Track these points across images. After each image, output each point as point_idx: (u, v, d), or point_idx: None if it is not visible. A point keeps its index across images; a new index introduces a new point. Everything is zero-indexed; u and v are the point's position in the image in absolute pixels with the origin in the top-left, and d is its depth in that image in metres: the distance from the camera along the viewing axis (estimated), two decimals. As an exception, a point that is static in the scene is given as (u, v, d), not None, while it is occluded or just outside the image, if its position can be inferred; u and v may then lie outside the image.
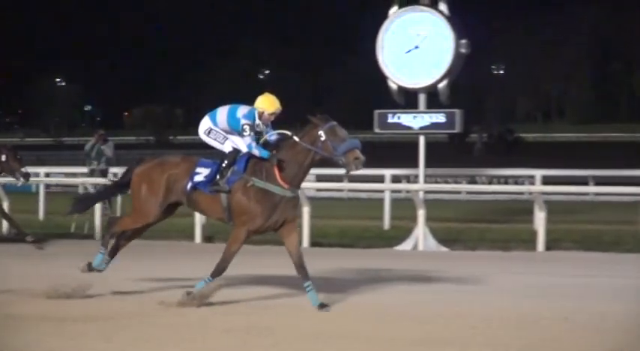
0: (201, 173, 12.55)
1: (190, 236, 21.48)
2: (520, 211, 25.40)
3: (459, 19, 20.35)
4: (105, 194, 15.46)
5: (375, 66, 20.85)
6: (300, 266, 12.34)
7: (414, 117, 20.52)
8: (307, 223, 20.45)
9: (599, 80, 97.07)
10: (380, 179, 26.98)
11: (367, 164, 12.50)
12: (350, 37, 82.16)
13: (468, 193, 36.64)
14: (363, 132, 35.41)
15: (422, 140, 20.27)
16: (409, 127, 20.64)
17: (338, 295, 12.98)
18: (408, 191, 27.34)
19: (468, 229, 22.89)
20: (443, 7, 20.22)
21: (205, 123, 12.80)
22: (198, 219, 20.69)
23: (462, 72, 20.57)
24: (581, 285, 14.45)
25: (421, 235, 19.68)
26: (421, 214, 19.63)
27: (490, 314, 11.55)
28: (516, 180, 36.85)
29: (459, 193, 36.73)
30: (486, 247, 20.07)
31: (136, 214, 13.00)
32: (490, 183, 38.02)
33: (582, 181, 32.96)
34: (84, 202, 14.67)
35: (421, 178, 21.52)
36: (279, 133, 12.58)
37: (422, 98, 20.62)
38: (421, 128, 20.46)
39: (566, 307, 12.11)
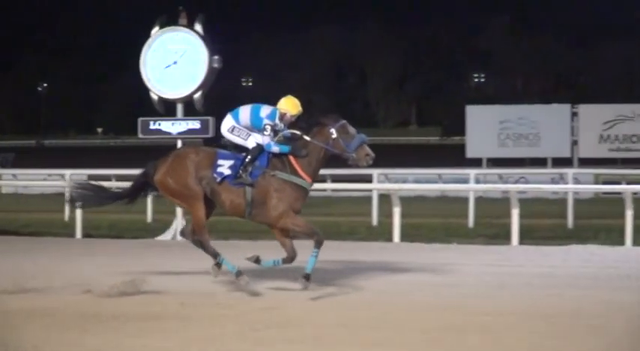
0: (224, 165, 12.18)
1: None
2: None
3: (212, 38, 20.85)
4: (109, 199, 13.40)
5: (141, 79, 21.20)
6: (289, 257, 12.09)
7: (173, 124, 20.92)
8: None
9: (337, 90, 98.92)
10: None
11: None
12: (123, 54, 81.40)
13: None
14: (130, 137, 35.33)
15: (179, 144, 20.63)
16: (168, 133, 21.04)
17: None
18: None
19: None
20: (198, 27, 20.68)
21: (228, 121, 12.45)
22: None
23: (214, 84, 21.01)
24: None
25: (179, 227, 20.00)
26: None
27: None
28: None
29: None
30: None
31: (191, 204, 12.33)
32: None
33: (321, 179, 33.84)
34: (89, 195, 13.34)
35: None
36: (290, 133, 12.27)
37: (180, 107, 21.07)
38: (179, 133, 20.90)
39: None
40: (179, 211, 19.55)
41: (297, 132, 12.29)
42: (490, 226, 21.41)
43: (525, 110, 42.39)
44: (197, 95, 20.65)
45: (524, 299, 11.68)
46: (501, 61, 77.18)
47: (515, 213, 18.86)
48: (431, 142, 79.58)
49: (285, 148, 12.13)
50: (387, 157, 44.09)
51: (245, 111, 12.38)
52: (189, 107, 21.15)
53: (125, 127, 48.05)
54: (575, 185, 27.50)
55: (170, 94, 20.97)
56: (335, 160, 12.39)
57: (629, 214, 18.49)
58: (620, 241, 18.30)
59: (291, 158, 12.15)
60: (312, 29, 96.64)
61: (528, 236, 19.18)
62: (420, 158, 51.48)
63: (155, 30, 21.06)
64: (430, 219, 22.99)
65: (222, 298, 11.78)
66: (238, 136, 12.32)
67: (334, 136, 12.14)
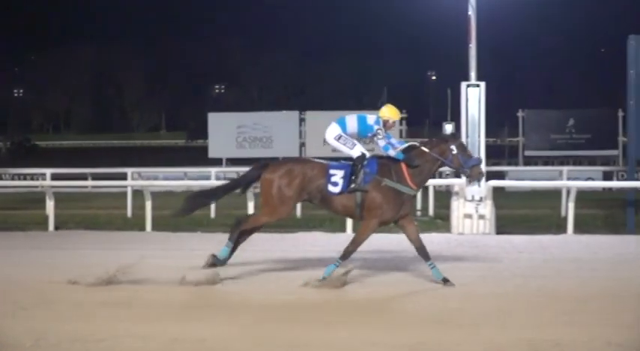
0: (336, 175, 11.64)
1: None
2: (35, 201, 25.25)
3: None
4: (219, 194, 12.77)
5: None
6: (421, 249, 11.63)
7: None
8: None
9: (97, 101, 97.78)
10: None
11: None
12: None
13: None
14: None
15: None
16: None
17: None
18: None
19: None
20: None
21: (335, 130, 11.89)
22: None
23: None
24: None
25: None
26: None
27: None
28: (32, 177, 36.41)
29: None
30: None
31: (271, 212, 11.77)
32: (12, 179, 37.34)
33: (83, 177, 33.44)
34: (195, 201, 12.65)
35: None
36: (410, 145, 11.88)
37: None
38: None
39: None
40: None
41: (415, 143, 12.00)
42: (230, 217, 21.35)
43: (260, 117, 42.72)
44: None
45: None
46: (239, 74, 77.66)
47: (250, 205, 18.91)
48: (178, 145, 79.47)
49: (400, 155, 11.70)
50: (141, 157, 43.84)
51: (352, 120, 11.94)
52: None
53: None
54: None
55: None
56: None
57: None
58: (342, 229, 18.53)
59: (402, 166, 11.71)
60: (73, 47, 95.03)
61: (264, 225, 19.23)
62: (168, 158, 51.37)
63: None
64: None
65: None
66: (344, 144, 11.83)
67: (454, 151, 11.77)
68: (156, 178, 32.12)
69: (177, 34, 78.56)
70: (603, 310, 9.64)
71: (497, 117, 38.35)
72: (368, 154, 11.79)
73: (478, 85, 19.23)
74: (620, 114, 37.26)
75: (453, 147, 11.77)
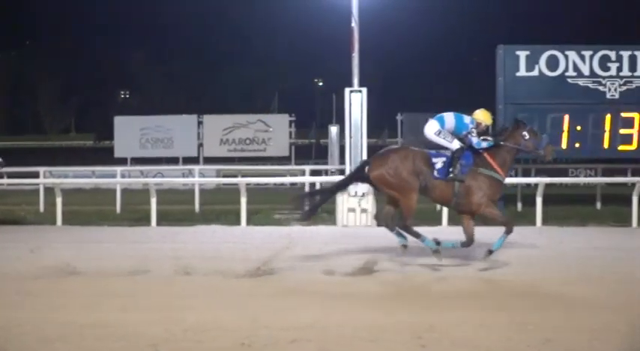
0: (438, 163, 11.70)
1: None
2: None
3: None
4: (329, 195, 12.84)
5: None
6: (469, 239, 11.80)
7: None
8: None
9: (11, 104, 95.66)
10: None
11: None
12: None
13: None
14: None
15: None
16: None
17: None
18: None
19: None
20: None
21: (434, 126, 11.95)
22: None
23: None
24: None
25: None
26: None
27: None
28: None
29: None
30: None
31: (406, 195, 11.55)
32: None
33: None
34: (309, 205, 12.44)
35: None
36: (484, 139, 11.97)
37: None
38: None
39: None
40: None
41: (489, 138, 12.12)
42: (134, 211, 21.09)
43: (161, 120, 42.37)
44: None
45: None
46: (143, 81, 76.90)
47: (153, 201, 18.72)
48: (87, 146, 78.29)
49: (489, 144, 11.92)
50: (52, 157, 42.98)
51: (449, 117, 12.05)
52: None
53: None
54: (200, 178, 27.63)
55: None
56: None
57: (244, 200, 18.73)
58: (237, 222, 18.51)
59: (489, 158, 11.85)
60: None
61: (165, 219, 19.10)
62: (78, 158, 50.39)
63: None
64: (86, 207, 22.39)
65: None
66: (444, 138, 11.90)
67: (527, 137, 11.96)
68: (66, 177, 31.50)
69: (86, 43, 77.27)
70: (475, 294, 9.71)
71: (378, 120, 38.57)
72: (483, 143, 11.92)
73: (360, 91, 19.31)
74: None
75: (525, 133, 12.00)
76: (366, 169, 11.96)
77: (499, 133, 12.34)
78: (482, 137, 12.04)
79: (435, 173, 11.67)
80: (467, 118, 12.06)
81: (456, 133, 12.03)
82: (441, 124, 12.02)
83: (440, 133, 11.96)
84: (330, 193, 12.91)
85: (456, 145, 11.91)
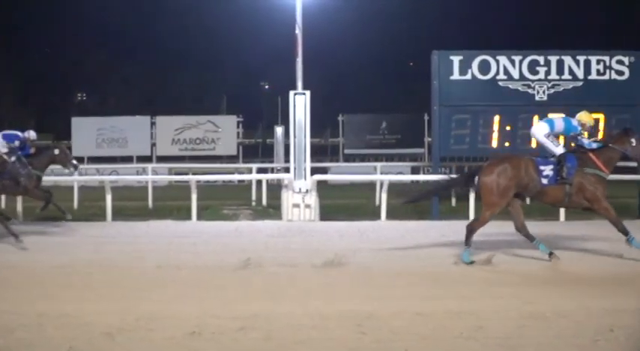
0: (546, 170, 11.59)
1: None
2: None
3: None
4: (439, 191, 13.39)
5: None
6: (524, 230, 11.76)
7: None
8: None
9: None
10: None
11: None
12: None
13: None
14: None
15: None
16: None
17: None
18: None
19: None
20: None
21: (544, 128, 11.88)
22: None
23: None
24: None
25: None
26: None
27: None
28: None
29: None
30: None
31: (492, 208, 11.45)
32: None
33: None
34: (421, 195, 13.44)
35: None
36: (594, 141, 11.98)
37: None
38: None
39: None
40: None
41: (598, 139, 12.22)
42: (91, 207, 20.85)
43: (116, 121, 41.91)
44: None
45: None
46: (99, 84, 76.18)
47: (109, 198, 18.53)
48: (47, 145, 77.54)
49: (597, 145, 11.88)
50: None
51: (559, 121, 12.02)
52: None
53: None
54: (154, 176, 27.39)
55: None
56: None
57: (194, 197, 18.63)
58: (188, 217, 18.40)
59: (594, 157, 11.76)
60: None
61: (120, 214, 18.93)
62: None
63: None
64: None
65: None
66: (552, 142, 11.82)
67: (634, 144, 11.87)
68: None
69: (44, 45, 76.22)
70: (412, 285, 9.74)
71: (321, 120, 38.58)
72: (593, 144, 11.88)
73: (304, 94, 19.29)
74: (426, 118, 37.97)
75: (633, 140, 11.91)
76: (477, 175, 11.83)
77: (608, 136, 12.52)
78: (592, 139, 12.07)
79: (545, 181, 11.62)
80: (574, 121, 11.96)
81: (566, 135, 12.12)
82: (551, 127, 11.94)
83: (549, 136, 11.88)
84: (442, 189, 13.47)
85: (560, 149, 11.84)
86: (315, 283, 9.92)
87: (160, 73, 72.08)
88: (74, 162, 16.77)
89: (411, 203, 14.40)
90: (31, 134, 16.65)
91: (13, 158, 15.72)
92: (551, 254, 11.44)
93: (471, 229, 11.56)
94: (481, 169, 11.84)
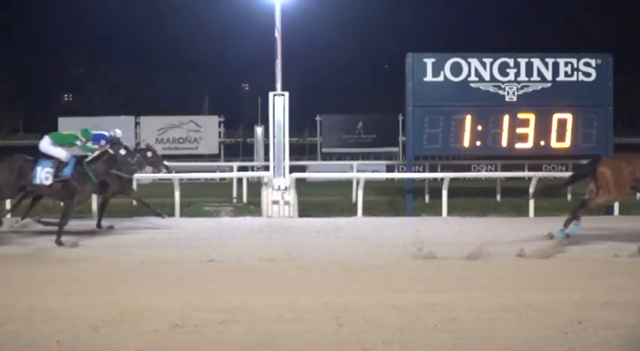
0: None
1: None
2: None
3: None
4: (566, 183, 13.52)
5: None
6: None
7: None
8: None
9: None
10: None
11: None
12: None
13: None
14: None
15: None
16: None
17: None
18: None
19: None
20: None
21: None
22: None
23: None
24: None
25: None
26: None
27: None
28: None
29: None
30: None
31: (610, 196, 12.12)
32: None
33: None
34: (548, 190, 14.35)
35: None
36: None
37: None
38: None
39: None
40: None
41: None
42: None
43: (101, 121, 41.17)
44: None
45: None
46: (84, 85, 75.79)
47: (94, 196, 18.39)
48: (34, 144, 77.04)
49: None
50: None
51: None
52: None
53: None
54: (137, 174, 27.10)
55: None
56: None
57: (177, 194, 18.59)
58: (172, 214, 18.26)
59: None
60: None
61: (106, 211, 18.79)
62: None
63: None
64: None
65: None
66: None
67: None
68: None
69: (32, 49, 75.78)
70: (387, 279, 9.75)
71: (300, 120, 38.56)
72: None
73: (283, 95, 19.28)
74: (400, 118, 38.06)
75: None
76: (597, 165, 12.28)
77: None
78: None
79: None
80: None
81: None
82: None
83: None
84: (565, 184, 13.87)
85: None
86: (293, 277, 9.91)
87: (143, 74, 71.83)
88: (165, 162, 16.47)
89: (543, 196, 15.34)
90: (117, 132, 15.93)
91: (121, 151, 14.67)
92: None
93: (576, 214, 12.12)
94: (599, 160, 12.37)
